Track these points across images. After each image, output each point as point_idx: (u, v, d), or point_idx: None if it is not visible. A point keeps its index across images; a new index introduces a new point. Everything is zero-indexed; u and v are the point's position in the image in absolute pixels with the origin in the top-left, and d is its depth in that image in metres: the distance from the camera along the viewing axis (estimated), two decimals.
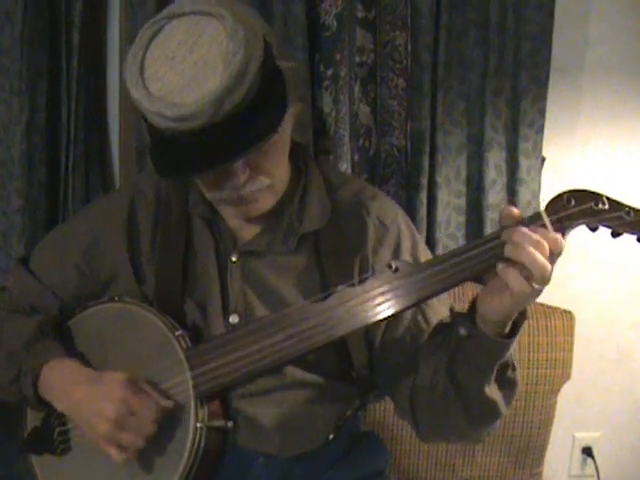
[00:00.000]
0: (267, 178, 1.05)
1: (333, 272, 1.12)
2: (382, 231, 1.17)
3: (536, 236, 0.88)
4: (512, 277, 0.89)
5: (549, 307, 1.66)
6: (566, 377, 1.67)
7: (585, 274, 1.87)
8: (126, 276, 1.16)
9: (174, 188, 1.18)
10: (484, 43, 1.62)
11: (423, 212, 1.67)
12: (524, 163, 1.66)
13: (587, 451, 1.99)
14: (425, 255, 1.19)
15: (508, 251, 0.89)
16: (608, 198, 0.93)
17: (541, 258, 0.87)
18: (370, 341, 1.13)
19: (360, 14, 1.58)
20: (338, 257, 1.13)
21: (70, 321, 1.18)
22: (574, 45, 1.73)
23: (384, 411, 1.63)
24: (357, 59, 1.60)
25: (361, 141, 1.64)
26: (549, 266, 0.88)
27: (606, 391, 1.97)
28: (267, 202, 1.09)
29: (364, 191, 1.21)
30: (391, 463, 1.34)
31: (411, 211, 1.65)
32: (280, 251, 1.13)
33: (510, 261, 0.89)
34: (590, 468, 1.99)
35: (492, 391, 1.01)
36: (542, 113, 1.66)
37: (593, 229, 0.94)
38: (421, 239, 1.22)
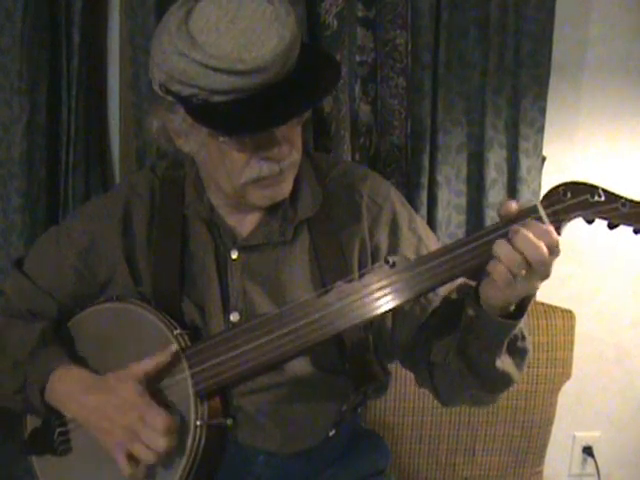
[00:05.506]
0: (297, 153, 1.08)
1: (328, 259, 1.13)
2: (376, 211, 1.17)
3: (534, 239, 0.88)
4: (498, 274, 0.90)
5: (549, 306, 1.66)
6: (566, 376, 1.67)
7: (585, 273, 1.87)
8: (123, 277, 1.17)
9: (169, 190, 1.19)
10: (484, 42, 1.62)
11: (423, 211, 1.67)
12: (524, 162, 1.66)
13: (587, 450, 1.99)
14: (423, 228, 1.20)
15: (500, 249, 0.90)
16: (604, 190, 0.93)
17: (538, 255, 0.88)
18: (381, 320, 1.13)
19: (360, 13, 1.58)
20: (332, 244, 1.14)
21: (69, 322, 1.18)
22: (574, 44, 1.73)
23: (384, 410, 1.63)
24: (357, 58, 1.60)
25: (361, 140, 1.64)
26: (547, 261, 0.89)
27: (606, 390, 1.97)
28: (290, 183, 1.11)
29: (354, 172, 1.21)
30: (391, 462, 1.34)
31: None
32: (278, 242, 1.14)
33: (498, 258, 0.90)
34: (590, 467, 1.99)
35: (504, 363, 1.02)
36: (542, 112, 1.66)
37: (589, 221, 0.94)
38: (415, 213, 1.22)
